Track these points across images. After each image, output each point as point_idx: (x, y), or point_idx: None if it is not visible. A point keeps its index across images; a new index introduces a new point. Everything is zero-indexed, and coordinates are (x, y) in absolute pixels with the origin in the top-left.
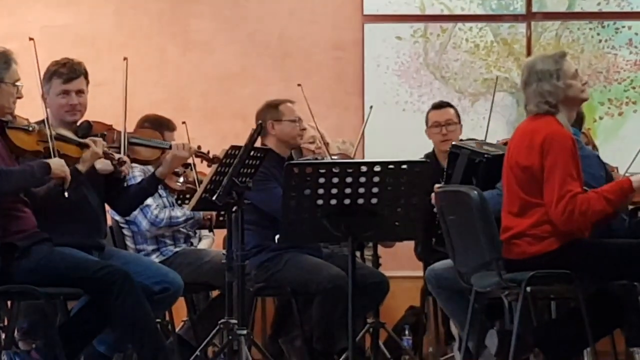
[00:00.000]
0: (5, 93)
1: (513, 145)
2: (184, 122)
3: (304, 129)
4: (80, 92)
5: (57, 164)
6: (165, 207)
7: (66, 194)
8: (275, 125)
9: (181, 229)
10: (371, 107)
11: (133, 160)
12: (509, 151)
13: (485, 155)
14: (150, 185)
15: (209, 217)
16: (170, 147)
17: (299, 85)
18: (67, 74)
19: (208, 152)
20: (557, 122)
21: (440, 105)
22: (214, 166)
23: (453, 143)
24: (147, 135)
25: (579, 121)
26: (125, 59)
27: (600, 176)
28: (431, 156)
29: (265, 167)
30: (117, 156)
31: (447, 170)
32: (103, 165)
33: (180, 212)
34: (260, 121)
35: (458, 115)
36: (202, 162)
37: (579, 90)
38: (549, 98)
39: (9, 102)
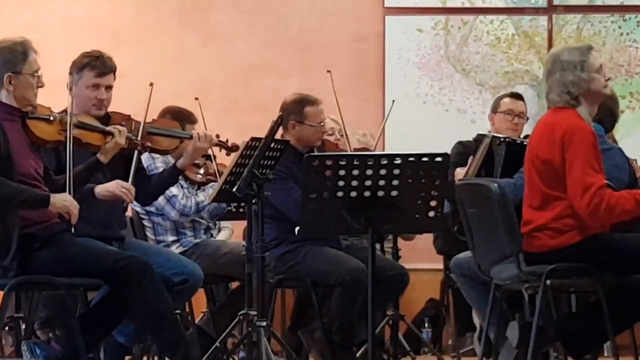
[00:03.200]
0: (24, 84)
1: (534, 139)
2: (196, 98)
3: (325, 132)
4: (109, 87)
5: (59, 200)
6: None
7: (73, 230)
8: (296, 126)
9: (201, 220)
10: (393, 101)
11: (152, 150)
12: (530, 145)
13: (507, 139)
14: (172, 176)
15: None
16: (191, 137)
17: (328, 71)
18: (100, 67)
19: (227, 140)
20: (577, 116)
21: (517, 96)
22: (234, 157)
23: (478, 133)
24: (165, 125)
25: (611, 121)
26: (151, 84)
27: (624, 168)
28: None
29: (283, 164)
30: (140, 142)
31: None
32: (101, 190)
33: (203, 196)
34: (281, 113)
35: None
36: (220, 150)
37: (601, 84)
38: (571, 89)
39: (28, 93)
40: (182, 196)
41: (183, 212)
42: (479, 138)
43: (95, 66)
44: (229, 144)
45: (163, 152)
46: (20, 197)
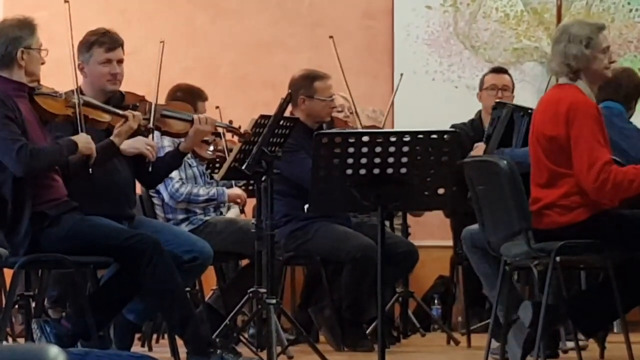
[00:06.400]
0: (34, 59)
1: (538, 116)
2: (217, 107)
3: (334, 107)
4: (120, 61)
5: (83, 141)
6: (194, 176)
7: (90, 170)
8: (306, 101)
9: None
10: (401, 74)
11: (164, 133)
12: (534, 122)
13: (529, 110)
14: (174, 159)
15: (238, 200)
16: (193, 120)
17: (330, 37)
18: (109, 43)
19: (239, 127)
20: (580, 91)
21: (499, 70)
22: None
23: (497, 100)
24: (178, 108)
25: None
26: (162, 42)
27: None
28: (476, 120)
29: (294, 138)
30: (151, 128)
31: (488, 129)
32: (127, 147)
33: (203, 191)
34: (290, 91)
35: (513, 85)
36: (233, 136)
37: (603, 66)
38: (571, 61)
39: (36, 68)
40: (178, 180)
41: (173, 195)
42: (498, 106)
43: (103, 42)
44: (242, 130)
45: (176, 135)
46: (60, 154)
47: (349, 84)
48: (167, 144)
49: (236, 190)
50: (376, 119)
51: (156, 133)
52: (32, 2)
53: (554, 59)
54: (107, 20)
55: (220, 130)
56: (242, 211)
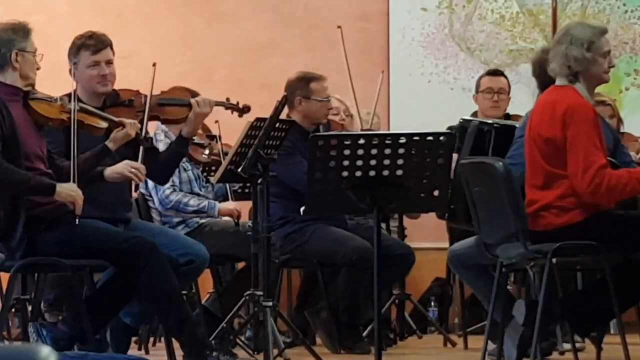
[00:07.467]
0: (29, 63)
1: (534, 117)
2: (216, 121)
3: (331, 108)
4: (109, 62)
5: (67, 188)
6: (189, 180)
7: (77, 221)
8: (302, 102)
9: (209, 198)
10: (383, 71)
11: (165, 122)
12: (530, 123)
13: (494, 125)
14: (180, 147)
15: (231, 214)
16: (190, 104)
17: (338, 27)
18: (94, 45)
19: (237, 102)
20: (577, 94)
21: (495, 72)
22: (239, 138)
23: (462, 118)
24: (174, 95)
25: None
26: (154, 64)
27: (605, 135)
28: None
29: (290, 141)
30: (148, 138)
31: (457, 144)
32: (110, 172)
33: (193, 202)
34: (285, 93)
35: (509, 86)
36: (232, 113)
37: (602, 70)
38: (572, 63)
39: (32, 71)
40: (170, 186)
41: (162, 202)
42: (465, 124)
43: (89, 45)
44: (240, 105)
45: (176, 122)
46: (28, 184)
47: (344, 86)
48: (162, 147)
49: (229, 205)
50: (369, 121)
51: (154, 133)
52: (28, 6)
53: (555, 60)
54: (104, 23)
55: (218, 108)
56: (236, 224)
